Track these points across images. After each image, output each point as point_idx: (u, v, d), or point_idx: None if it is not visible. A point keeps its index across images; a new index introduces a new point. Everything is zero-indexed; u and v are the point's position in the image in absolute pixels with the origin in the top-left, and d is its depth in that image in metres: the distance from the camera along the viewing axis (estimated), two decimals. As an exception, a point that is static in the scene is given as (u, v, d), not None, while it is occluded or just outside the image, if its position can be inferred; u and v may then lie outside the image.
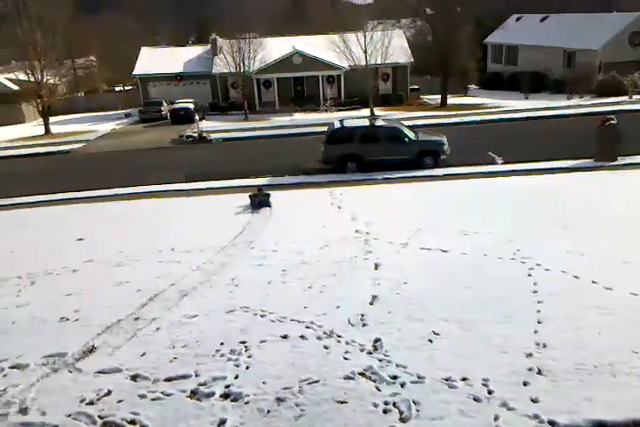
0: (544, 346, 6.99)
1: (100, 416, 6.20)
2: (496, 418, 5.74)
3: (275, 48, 37.11)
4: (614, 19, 38.33)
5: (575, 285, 8.68)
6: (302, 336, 7.63)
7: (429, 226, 12.05)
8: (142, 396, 6.51)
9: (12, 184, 19.95)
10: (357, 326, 7.82)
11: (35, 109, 37.40)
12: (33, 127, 38.05)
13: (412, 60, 38.57)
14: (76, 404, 6.45)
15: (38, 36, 33.00)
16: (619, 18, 38.24)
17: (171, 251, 11.63)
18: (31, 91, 34.35)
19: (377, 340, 7.41)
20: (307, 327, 7.87)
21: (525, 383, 6.27)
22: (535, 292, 8.50)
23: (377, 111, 33.06)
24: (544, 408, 5.83)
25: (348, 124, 19.38)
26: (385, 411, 6.01)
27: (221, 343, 7.58)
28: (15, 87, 41.55)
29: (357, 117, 25.73)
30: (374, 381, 6.53)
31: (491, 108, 32.97)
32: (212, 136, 27.69)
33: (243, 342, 7.57)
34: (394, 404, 6.10)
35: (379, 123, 19.59)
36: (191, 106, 34.36)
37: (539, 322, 7.60)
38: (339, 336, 7.57)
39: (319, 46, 36.87)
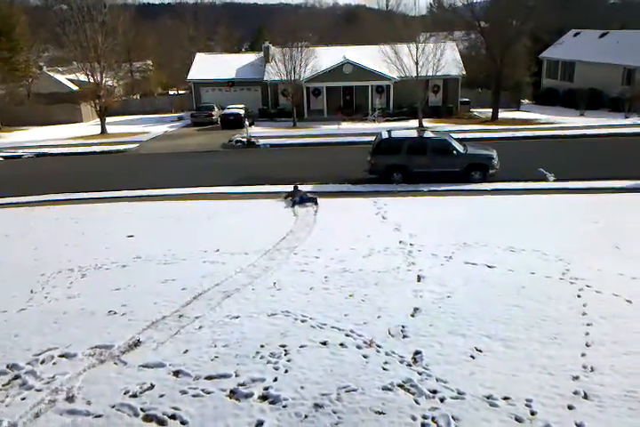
0: (592, 370, 6.78)
1: (142, 409, 6.36)
2: (538, 440, 5.60)
3: (326, 57, 37.43)
4: (677, 36, 37.02)
5: (627, 309, 8.38)
6: (342, 344, 7.63)
7: (475, 240, 11.87)
8: (183, 392, 6.64)
9: (71, 181, 20.76)
10: (397, 338, 7.77)
11: (92, 110, 38.85)
12: (90, 127, 39.51)
13: (464, 72, 38.21)
14: (119, 395, 6.64)
15: (99, 40, 34.40)
16: (682, 35, 36.91)
17: (215, 252, 11.85)
18: (90, 91, 35.68)
19: (417, 352, 7.34)
20: (346, 335, 7.87)
21: (570, 407, 6.09)
22: (584, 314, 8.25)
23: (426, 123, 32.83)
24: (589, 434, 5.65)
25: (395, 134, 19.33)
26: (423, 425, 5.94)
27: (262, 346, 7.66)
28: (75, 88, 43.35)
29: (406, 128, 25.62)
30: (413, 393, 6.46)
31: (544, 123, 32.25)
32: (260, 142, 28.11)
33: (283, 346, 7.64)
34: (432, 418, 6.02)
35: (427, 134, 19.45)
36: (241, 111, 34.95)
37: (587, 345, 7.37)
38: (378, 346, 7.54)
39: (370, 56, 36.95)
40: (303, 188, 17.15)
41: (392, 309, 8.67)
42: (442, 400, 6.30)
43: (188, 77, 41.77)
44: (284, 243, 12.38)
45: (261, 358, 7.36)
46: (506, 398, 6.27)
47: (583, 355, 7.13)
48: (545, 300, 8.79)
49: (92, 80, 35.18)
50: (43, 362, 7.43)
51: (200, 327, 8.29)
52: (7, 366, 7.35)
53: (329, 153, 25.14)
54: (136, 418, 6.21)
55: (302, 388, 6.64)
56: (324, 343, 7.66)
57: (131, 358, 7.46)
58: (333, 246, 11.87)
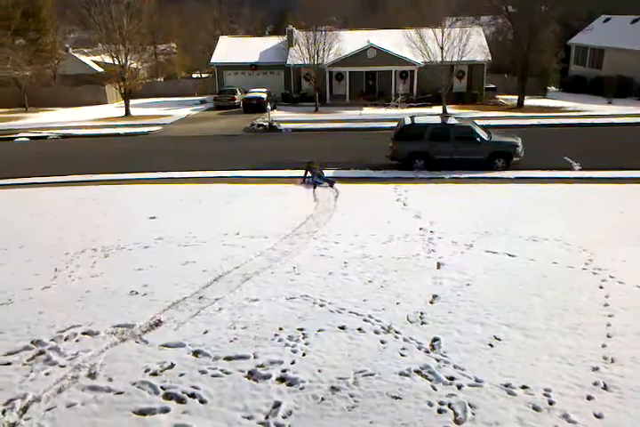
0: (612, 361, 6.71)
1: (162, 387, 6.48)
2: (555, 430, 5.57)
3: (349, 41, 36.99)
4: None
5: (651, 301, 8.24)
6: (360, 329, 7.66)
7: (497, 229, 11.75)
8: (203, 372, 6.75)
9: (95, 162, 21.02)
10: (416, 324, 7.77)
11: (117, 92, 39.13)
12: (114, 108, 39.84)
13: (490, 58, 37.50)
14: (140, 373, 6.77)
15: (124, 21, 34.48)
16: None
17: (236, 235, 11.92)
18: (115, 74, 35.92)
19: (435, 339, 7.34)
20: (365, 321, 7.89)
21: (589, 397, 6.05)
22: (606, 305, 8.15)
23: (450, 109, 32.39)
24: (608, 425, 5.60)
25: (418, 120, 19.09)
26: (440, 411, 5.95)
27: (280, 328, 7.73)
28: (100, 70, 43.64)
29: (429, 115, 25.31)
30: (430, 380, 6.47)
31: (571, 111, 31.59)
32: (282, 126, 28.05)
33: (301, 329, 7.69)
34: (449, 405, 6.03)
35: (451, 121, 19.17)
36: (264, 95, 34.87)
37: (608, 336, 7.28)
38: (396, 332, 7.55)
39: (394, 41, 36.43)
40: (324, 172, 17.04)
41: (411, 295, 8.66)
42: (459, 387, 6.30)
43: (212, 61, 41.72)
44: (303, 227, 12.40)
45: (279, 340, 7.43)
46: (524, 387, 6.25)
47: (604, 346, 7.05)
48: (566, 290, 8.69)
49: (116, 62, 35.38)
50: (66, 339, 7.60)
51: (220, 309, 8.38)
52: (32, 342, 7.53)
53: (350, 138, 24.99)
54: (156, 396, 6.33)
55: (319, 371, 6.69)
56: (342, 328, 7.69)
57: (152, 338, 7.58)
58: (353, 232, 11.86)
